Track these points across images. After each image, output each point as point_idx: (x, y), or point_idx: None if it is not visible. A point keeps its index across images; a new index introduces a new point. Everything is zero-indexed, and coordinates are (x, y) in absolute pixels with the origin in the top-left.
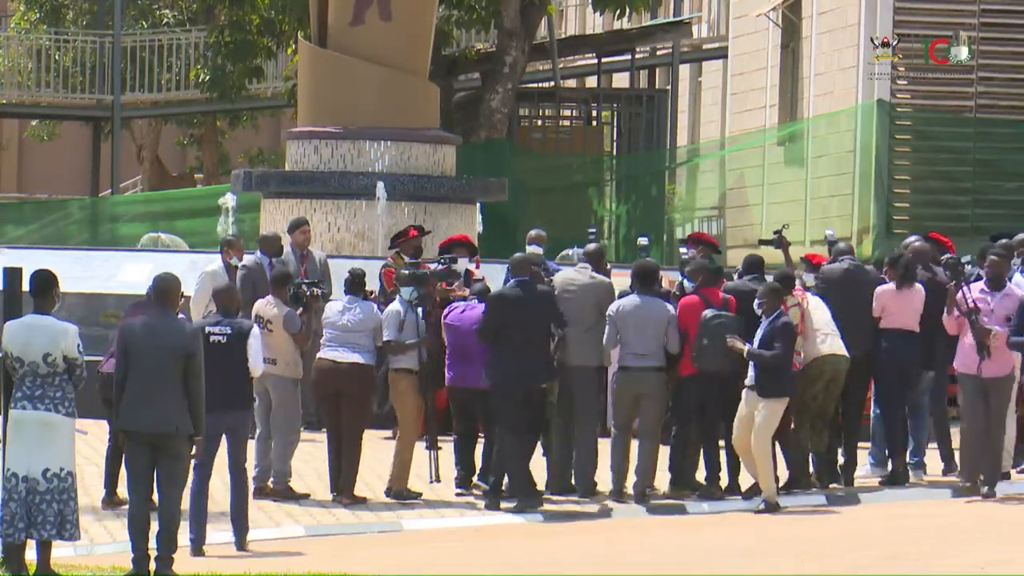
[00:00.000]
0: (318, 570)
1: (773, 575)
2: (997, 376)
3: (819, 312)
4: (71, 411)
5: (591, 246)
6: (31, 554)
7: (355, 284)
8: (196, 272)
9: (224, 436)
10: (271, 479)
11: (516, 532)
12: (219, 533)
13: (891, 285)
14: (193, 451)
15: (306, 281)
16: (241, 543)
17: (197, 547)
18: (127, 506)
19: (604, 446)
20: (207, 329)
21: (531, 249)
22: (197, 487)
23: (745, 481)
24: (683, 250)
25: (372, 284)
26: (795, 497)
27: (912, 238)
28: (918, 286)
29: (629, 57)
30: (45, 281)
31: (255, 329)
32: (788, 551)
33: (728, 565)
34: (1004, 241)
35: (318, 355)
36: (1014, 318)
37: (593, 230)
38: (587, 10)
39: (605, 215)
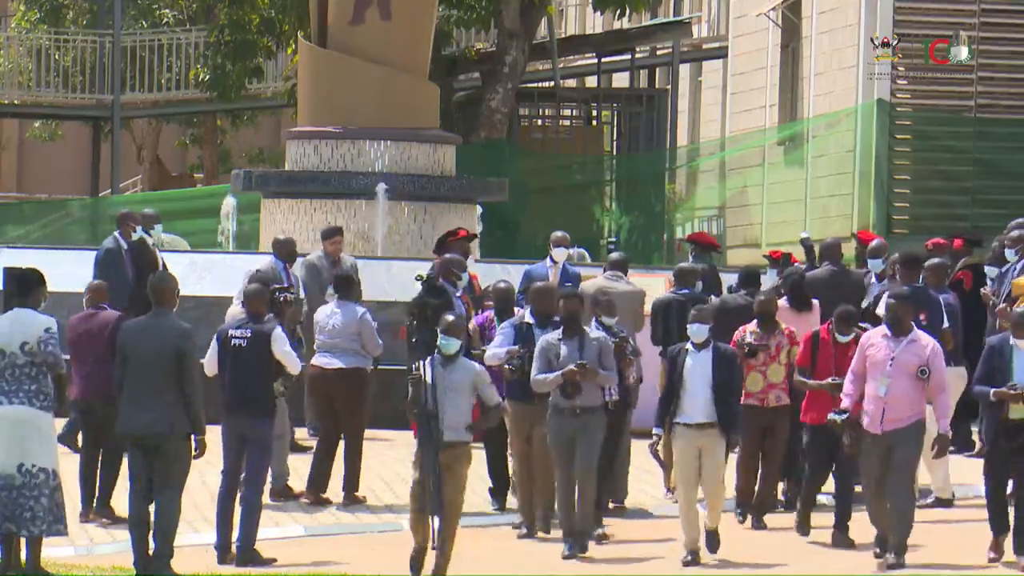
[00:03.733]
0: (318, 570)
1: (773, 575)
2: (897, 428)
3: None
4: (47, 404)
5: (615, 255)
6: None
7: (342, 286)
8: (196, 272)
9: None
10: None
11: (516, 533)
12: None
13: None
14: (194, 452)
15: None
16: (243, 557)
17: (223, 555)
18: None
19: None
20: (229, 332)
21: (558, 252)
22: (223, 493)
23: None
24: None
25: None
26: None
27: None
28: (815, 305)
29: (629, 57)
30: (31, 279)
31: (277, 331)
32: (788, 551)
33: (728, 565)
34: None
35: (311, 361)
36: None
37: (615, 239)
38: (587, 10)
39: (605, 215)
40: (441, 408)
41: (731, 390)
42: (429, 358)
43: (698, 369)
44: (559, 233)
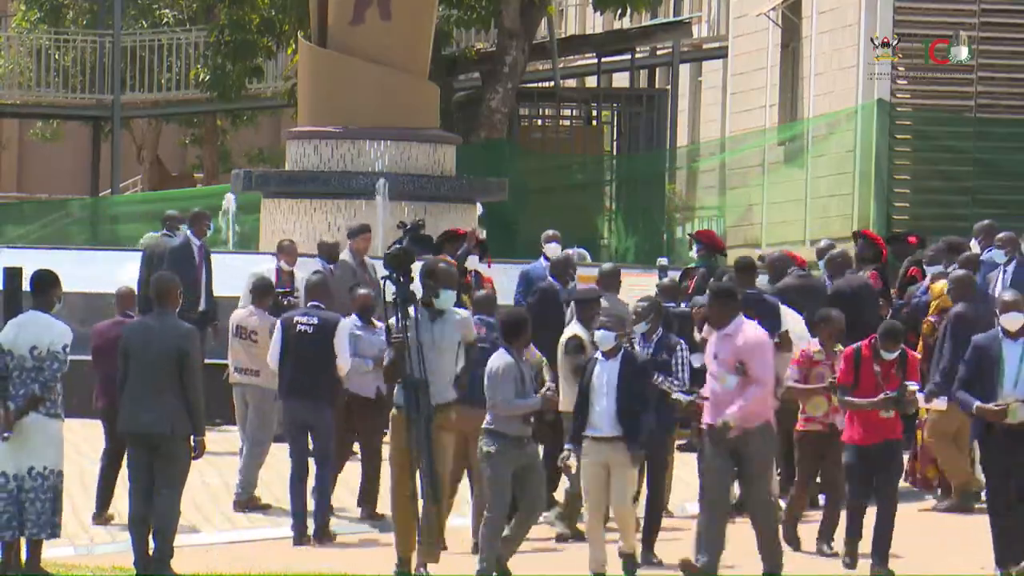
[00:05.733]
0: (318, 570)
1: (772, 575)
2: (747, 428)
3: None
4: (52, 411)
5: (609, 266)
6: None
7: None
8: None
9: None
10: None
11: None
12: (221, 533)
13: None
14: (193, 453)
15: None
16: (319, 535)
17: (299, 537)
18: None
19: None
20: (295, 319)
21: (550, 248)
22: (293, 475)
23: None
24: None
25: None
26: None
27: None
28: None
29: (629, 57)
30: (45, 280)
31: (343, 323)
32: (786, 552)
33: (727, 566)
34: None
35: None
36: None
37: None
38: (587, 10)
39: (605, 215)
40: (430, 374)
41: (639, 402)
42: (411, 316)
43: (605, 378)
44: (550, 231)
